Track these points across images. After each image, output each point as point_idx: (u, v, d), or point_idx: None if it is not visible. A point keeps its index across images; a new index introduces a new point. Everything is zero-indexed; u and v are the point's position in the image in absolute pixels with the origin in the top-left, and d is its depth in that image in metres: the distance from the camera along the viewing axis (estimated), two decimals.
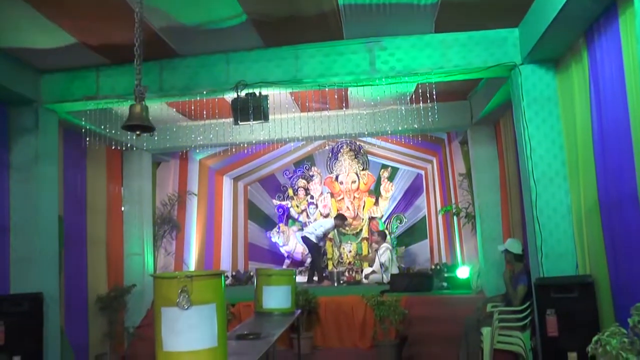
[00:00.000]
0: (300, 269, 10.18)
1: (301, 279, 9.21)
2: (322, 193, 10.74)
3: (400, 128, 6.77)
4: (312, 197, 10.63)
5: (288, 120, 6.98)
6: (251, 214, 11.84)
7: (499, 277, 5.88)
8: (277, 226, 10.74)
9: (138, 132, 3.62)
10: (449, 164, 8.66)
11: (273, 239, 10.67)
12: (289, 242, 10.55)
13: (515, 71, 4.69)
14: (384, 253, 8.55)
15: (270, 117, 5.27)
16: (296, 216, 10.89)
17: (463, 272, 7.32)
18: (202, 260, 9.21)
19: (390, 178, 10.65)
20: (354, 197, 10.46)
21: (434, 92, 5.33)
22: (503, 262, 5.66)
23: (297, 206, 10.91)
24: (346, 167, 10.47)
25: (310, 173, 10.97)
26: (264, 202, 11.83)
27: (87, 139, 5.83)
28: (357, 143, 10.63)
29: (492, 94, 5.81)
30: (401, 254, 9.99)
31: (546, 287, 4.20)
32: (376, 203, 10.41)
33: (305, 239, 8.95)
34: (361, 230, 10.31)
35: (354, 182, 10.40)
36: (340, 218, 9.13)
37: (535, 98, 4.61)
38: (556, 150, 4.54)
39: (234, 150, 7.95)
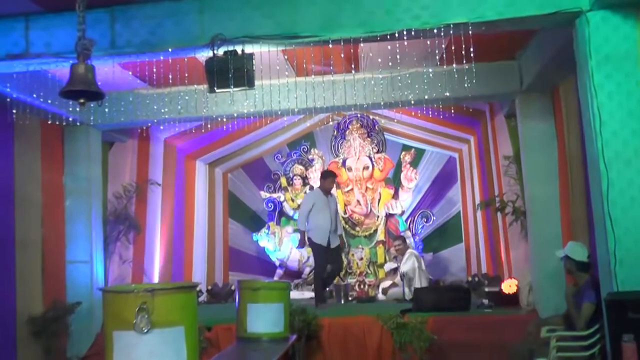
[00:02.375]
0: (296, 281, 10.31)
1: (297, 295, 9.33)
2: None
3: (427, 97, 6.83)
4: (311, 188, 10.67)
5: (280, 88, 7.02)
6: (233, 211, 11.85)
7: (557, 292, 5.90)
8: (267, 226, 10.77)
9: (82, 101, 3.61)
10: (490, 145, 8.71)
11: (261, 243, 10.72)
12: (282, 246, 10.62)
13: (581, 19, 4.64)
14: (408, 261, 8.64)
15: (257, 82, 5.24)
16: (291, 213, 10.90)
17: (510, 286, 7.36)
18: (169, 270, 9.31)
19: (414, 163, 10.67)
20: (367, 188, 10.56)
21: (472, 50, 5.19)
22: (562, 272, 5.69)
23: (293, 200, 10.93)
24: (356, 148, 10.58)
25: (310, 157, 11.06)
26: (250, 194, 11.83)
27: (14, 111, 5.78)
28: (371, 117, 10.73)
29: (548, 52, 5.78)
30: (428, 262, 10.03)
31: (621, 305, 4.15)
32: (395, 196, 10.51)
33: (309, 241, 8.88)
34: (376, 231, 10.45)
35: (366, 168, 10.52)
36: (327, 176, 8.38)
37: (607, 56, 4.57)
38: (635, 124, 4.52)
39: (209, 126, 7.98)
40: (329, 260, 7.87)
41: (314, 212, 7.90)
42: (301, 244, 8.30)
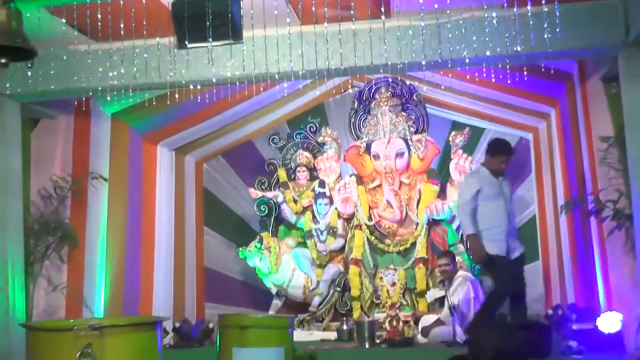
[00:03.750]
0: (302, 316, 10.31)
1: (303, 335, 9.37)
2: (340, 176, 10.81)
3: (488, 53, 6.80)
4: (322, 184, 10.71)
5: (279, 41, 7.01)
6: (210, 216, 11.87)
7: None
8: (258, 238, 10.62)
9: (3, 61, 3.59)
10: (580, 121, 8.68)
11: (250, 262, 10.59)
12: (281, 266, 10.58)
13: None
14: (460, 287, 8.62)
15: (246, 34, 5.40)
16: (293, 219, 10.96)
17: (610, 322, 7.29)
18: (118, 300, 9.36)
19: (469, 148, 10.57)
20: (401, 183, 10.47)
21: None
22: None
23: (296, 200, 10.93)
24: (386, 127, 10.48)
25: (320, 139, 11.03)
26: (234, 193, 11.84)
27: None
28: (407, 83, 10.65)
29: None
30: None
31: None
32: (442, 194, 10.41)
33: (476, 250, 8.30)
34: (414, 245, 10.35)
35: (400, 155, 10.41)
36: (497, 150, 7.89)
37: None
38: None
39: (177, 97, 7.96)
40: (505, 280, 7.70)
41: (482, 203, 7.72)
42: (477, 257, 7.86)
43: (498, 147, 7.94)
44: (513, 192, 10.70)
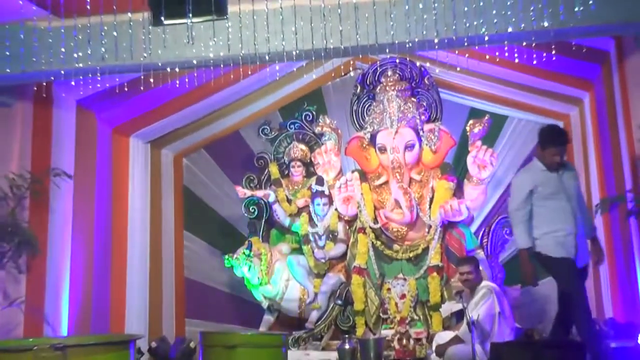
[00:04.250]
0: (297, 333, 10.28)
1: (299, 356, 9.40)
2: (340, 172, 10.79)
3: (510, 29, 6.81)
4: (320, 181, 10.72)
5: (269, 16, 7.03)
6: (190, 219, 11.94)
7: None
8: (247, 244, 10.60)
9: None
10: (618, 107, 8.73)
11: (238, 271, 10.53)
12: (273, 277, 10.58)
13: None
14: (482, 300, 8.47)
15: (232, 8, 5.42)
16: (287, 222, 11.03)
17: None
18: (86, 316, 9.34)
19: (490, 139, 10.59)
20: (411, 180, 10.47)
21: None
22: None
23: (290, 200, 11.02)
24: (393, 115, 10.40)
25: (317, 129, 11.01)
26: (218, 192, 11.93)
27: None
28: (418, 64, 10.68)
29: None
30: (515, 301, 9.91)
31: None
32: (459, 193, 10.45)
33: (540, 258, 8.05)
34: (426, 250, 10.34)
35: (409, 147, 10.38)
36: (550, 138, 7.54)
37: None
38: None
39: (152, 82, 7.95)
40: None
41: (538, 204, 7.38)
42: (527, 278, 7.50)
43: (549, 136, 7.49)
44: None
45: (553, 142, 7.33)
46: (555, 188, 7.32)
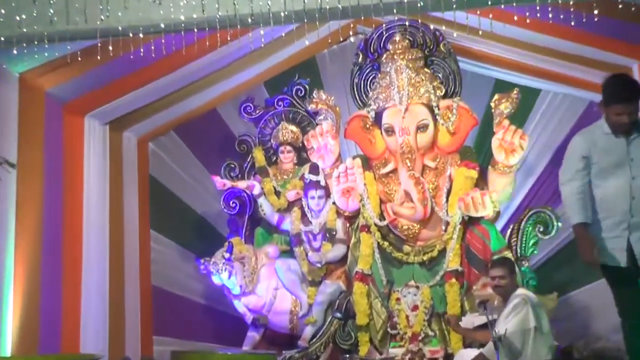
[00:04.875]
0: (289, 353, 10.29)
1: None
2: (339, 158, 10.72)
3: None
4: (314, 170, 10.66)
5: None
6: (158, 215, 11.92)
7: None
8: (227, 245, 10.62)
9: None
10: None
11: (216, 278, 10.56)
12: (259, 285, 10.66)
13: None
14: (516, 312, 8.32)
15: None
16: (274, 218, 10.95)
17: None
18: (33, 332, 9.25)
19: (520, 117, 10.58)
20: (424, 167, 10.41)
21: None
22: None
23: (278, 192, 11.03)
24: (402, 89, 10.33)
25: (311, 106, 10.93)
26: (191, 182, 12.01)
27: None
28: (431, 27, 10.58)
29: None
30: (552, 309, 9.68)
31: None
32: (482, 182, 10.32)
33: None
34: (442, 252, 10.32)
35: (422, 128, 10.34)
36: (612, 93, 6.76)
37: None
38: None
39: (110, 51, 8.01)
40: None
41: (595, 178, 6.79)
42: (586, 257, 6.65)
43: (612, 89, 6.71)
44: None
45: (617, 96, 6.52)
46: (616, 159, 6.61)
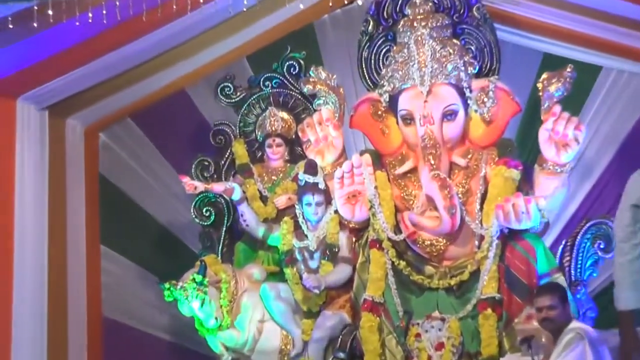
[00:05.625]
0: None
1: None
2: (343, 153, 9.86)
3: None
4: (311, 168, 9.64)
5: None
6: (111, 226, 11.20)
7: None
8: (199, 265, 9.68)
9: None
10: None
11: (184, 308, 9.66)
12: (240, 315, 9.86)
13: None
14: (569, 350, 7.84)
15: None
16: (260, 231, 10.13)
17: None
18: None
19: (574, 101, 9.65)
20: (452, 165, 9.47)
21: None
22: None
23: (265, 196, 10.41)
24: (424, 65, 9.42)
25: (307, 88, 10.00)
26: (154, 184, 11.37)
27: None
28: None
29: None
30: (616, 347, 9.69)
31: None
32: (526, 185, 9.39)
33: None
34: (475, 274, 9.31)
35: (450, 114, 9.40)
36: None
37: None
38: None
39: (50, 15, 7.93)
40: None
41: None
42: (627, 346, 6.79)
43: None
44: None
45: None
46: None
